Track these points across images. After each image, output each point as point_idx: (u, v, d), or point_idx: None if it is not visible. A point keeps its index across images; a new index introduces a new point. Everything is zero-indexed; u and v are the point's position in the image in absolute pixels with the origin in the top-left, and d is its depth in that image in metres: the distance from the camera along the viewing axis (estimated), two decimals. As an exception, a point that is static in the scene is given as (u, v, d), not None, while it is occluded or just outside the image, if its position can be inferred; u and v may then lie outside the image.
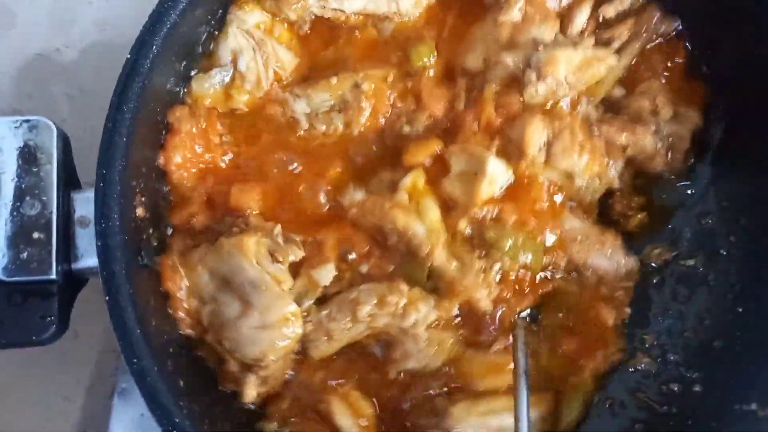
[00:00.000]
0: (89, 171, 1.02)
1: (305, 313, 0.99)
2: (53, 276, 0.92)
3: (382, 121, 1.09)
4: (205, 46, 1.10)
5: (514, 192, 1.05)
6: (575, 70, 1.07)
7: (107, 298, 0.88)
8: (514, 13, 1.11)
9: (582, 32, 1.13)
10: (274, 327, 0.95)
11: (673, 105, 1.12)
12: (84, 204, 0.97)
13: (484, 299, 1.02)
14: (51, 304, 0.92)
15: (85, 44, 1.49)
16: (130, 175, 0.94)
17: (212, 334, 0.99)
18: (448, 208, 1.04)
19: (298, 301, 0.99)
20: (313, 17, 1.12)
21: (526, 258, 1.03)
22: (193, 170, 1.06)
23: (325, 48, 1.14)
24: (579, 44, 1.09)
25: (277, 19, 1.11)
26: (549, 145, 1.05)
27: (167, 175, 1.04)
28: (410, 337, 1.00)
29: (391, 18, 1.13)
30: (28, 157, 0.94)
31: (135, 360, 0.88)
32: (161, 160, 1.03)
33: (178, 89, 1.07)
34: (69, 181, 0.97)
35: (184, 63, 1.06)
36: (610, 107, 1.13)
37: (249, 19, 1.08)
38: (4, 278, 0.91)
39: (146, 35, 0.95)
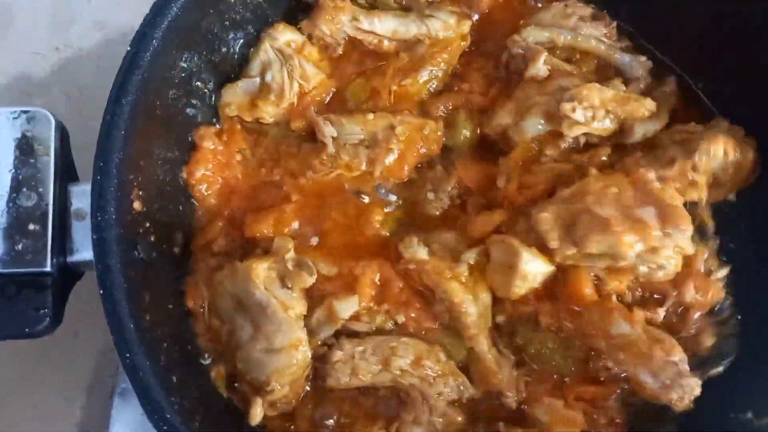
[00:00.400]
0: (88, 169, 1.03)
1: (331, 343, 1.00)
2: (48, 268, 0.91)
3: (406, 170, 1.09)
4: (235, 56, 1.15)
5: (554, 286, 1.01)
6: (610, 100, 1.04)
7: (101, 291, 0.88)
8: (539, 67, 1.10)
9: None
10: (281, 352, 0.95)
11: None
12: (80, 197, 0.96)
13: (511, 398, 1.00)
14: (45, 296, 0.91)
15: (84, 44, 1.50)
16: (128, 168, 0.94)
17: (229, 353, 1.00)
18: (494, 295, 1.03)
19: (314, 330, 0.99)
20: (346, 38, 1.14)
21: (556, 364, 1.02)
22: (217, 186, 1.10)
23: (356, 74, 1.16)
24: (611, 85, 1.08)
25: (311, 40, 1.14)
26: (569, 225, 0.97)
27: (190, 188, 1.08)
28: (428, 405, 0.99)
29: (422, 41, 1.14)
30: (26, 148, 0.94)
31: (128, 354, 0.87)
32: (184, 175, 1.07)
33: (185, 86, 1.08)
34: (66, 174, 0.97)
35: (189, 58, 1.06)
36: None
37: (280, 37, 1.12)
38: (-2, 269, 0.90)
39: (146, 28, 0.95)
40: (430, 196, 1.09)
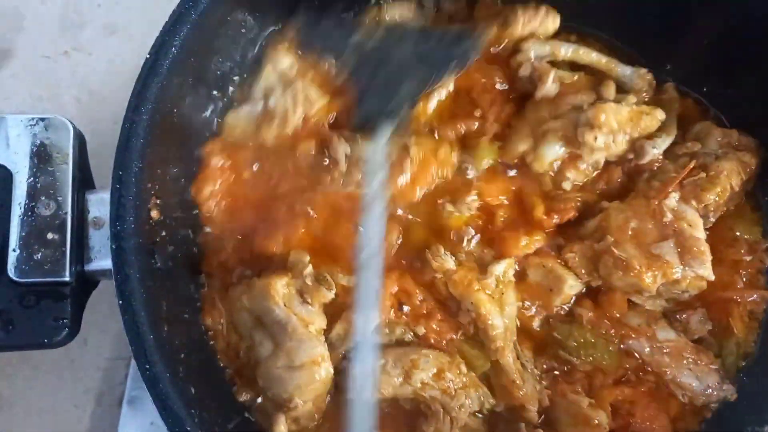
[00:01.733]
0: (98, 173, 1.02)
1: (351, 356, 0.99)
2: (67, 278, 0.90)
3: (418, 192, 1.07)
4: (236, 77, 1.13)
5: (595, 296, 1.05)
6: (627, 121, 1.05)
7: (120, 302, 0.87)
8: (548, 86, 1.09)
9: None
10: (302, 369, 0.94)
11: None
12: (98, 205, 0.96)
13: (533, 412, 1.00)
14: (64, 306, 0.90)
15: (95, 48, 1.50)
16: (146, 177, 0.93)
17: (249, 370, 0.99)
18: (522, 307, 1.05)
19: (335, 344, 0.98)
20: None
21: (594, 358, 1.03)
22: (225, 203, 1.07)
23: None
24: (621, 101, 1.08)
25: (312, 64, 1.11)
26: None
27: (199, 208, 1.06)
28: (449, 418, 0.98)
29: None
30: (44, 156, 0.93)
31: (147, 366, 0.86)
32: (192, 192, 1.04)
33: (201, 96, 1.07)
34: (83, 182, 0.96)
35: (207, 66, 1.06)
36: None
37: (282, 60, 1.10)
38: (17, 279, 0.89)
39: (166, 36, 0.94)
40: (449, 208, 1.07)
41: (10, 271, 0.89)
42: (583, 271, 1.03)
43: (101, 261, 0.94)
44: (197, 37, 0.97)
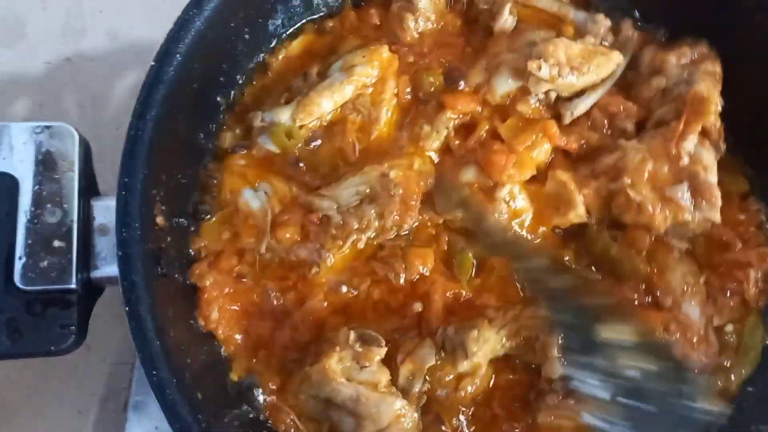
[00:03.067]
0: (101, 179, 1.03)
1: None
2: (73, 285, 0.90)
3: (413, 205, 1.03)
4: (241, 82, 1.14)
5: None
6: (577, 56, 1.06)
7: (127, 308, 0.87)
8: (505, 18, 1.12)
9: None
10: (392, 427, 0.94)
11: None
12: (103, 212, 0.96)
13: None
14: (71, 313, 0.90)
15: (96, 54, 1.49)
16: (151, 183, 0.93)
17: None
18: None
19: (407, 389, 0.98)
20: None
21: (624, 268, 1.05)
22: (236, 319, 1.04)
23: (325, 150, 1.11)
24: (578, 40, 1.10)
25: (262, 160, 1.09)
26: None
27: (215, 334, 1.02)
28: None
29: (363, 92, 1.10)
30: (49, 163, 0.93)
31: (154, 372, 0.86)
32: (201, 323, 1.01)
33: (205, 102, 1.07)
34: (89, 189, 0.96)
35: (212, 72, 1.06)
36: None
37: (239, 162, 1.08)
38: (23, 287, 0.89)
39: (170, 43, 0.95)
40: (425, 129, 1.08)
41: (17, 279, 0.89)
42: (595, 208, 1.05)
43: (107, 268, 0.94)
44: (202, 44, 0.98)
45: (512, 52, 1.10)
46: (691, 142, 1.03)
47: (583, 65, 1.06)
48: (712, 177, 1.02)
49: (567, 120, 1.09)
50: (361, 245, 1.04)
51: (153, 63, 0.94)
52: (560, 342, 0.95)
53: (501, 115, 1.10)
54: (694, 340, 1.01)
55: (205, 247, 1.05)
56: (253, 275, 1.04)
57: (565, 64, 1.05)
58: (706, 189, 1.01)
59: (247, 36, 1.11)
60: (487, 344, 0.98)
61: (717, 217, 1.02)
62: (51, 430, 1.27)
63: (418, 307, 1.03)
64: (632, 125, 1.09)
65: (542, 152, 1.07)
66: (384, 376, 0.97)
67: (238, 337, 1.03)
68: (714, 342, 1.03)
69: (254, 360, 1.03)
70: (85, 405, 1.27)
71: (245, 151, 1.09)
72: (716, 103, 1.05)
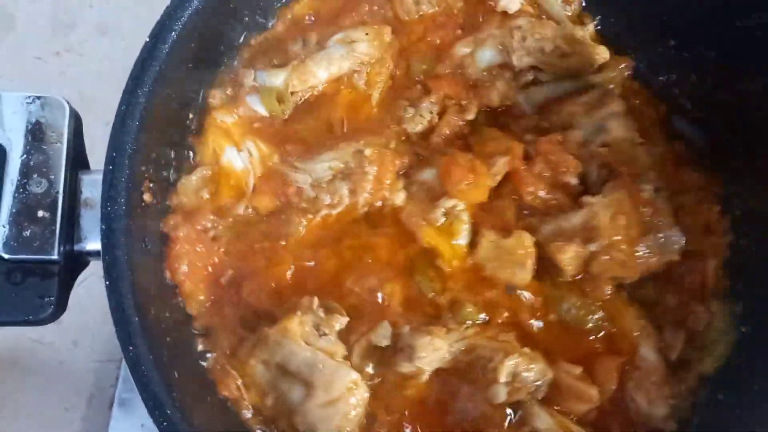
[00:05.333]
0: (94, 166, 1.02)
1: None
2: (55, 256, 0.90)
3: (388, 184, 1.05)
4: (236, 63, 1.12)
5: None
6: (561, 36, 1.10)
7: (107, 282, 0.87)
8: None
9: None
10: (341, 400, 0.93)
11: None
12: (90, 186, 0.96)
13: None
14: (51, 284, 0.90)
15: (86, 48, 1.49)
16: (140, 160, 0.93)
17: (283, 421, 0.96)
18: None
19: (360, 367, 0.98)
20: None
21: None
22: (203, 275, 1.03)
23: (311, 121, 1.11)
24: None
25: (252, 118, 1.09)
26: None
27: (179, 288, 1.01)
28: None
29: (359, 70, 1.11)
30: (38, 134, 0.93)
31: (131, 347, 0.86)
32: (168, 275, 1.00)
33: (199, 80, 1.06)
34: (77, 162, 0.96)
35: (204, 58, 1.05)
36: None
37: (225, 120, 1.07)
38: (5, 255, 0.89)
39: (166, 20, 0.94)
40: (409, 112, 1.09)
41: (-1, 247, 0.89)
42: (572, 269, 1.02)
43: (91, 241, 0.94)
44: (197, 22, 0.98)
45: (501, 29, 1.13)
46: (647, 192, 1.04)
47: (564, 45, 1.09)
48: (670, 219, 1.04)
49: None
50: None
51: (147, 39, 0.93)
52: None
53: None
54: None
55: (182, 204, 1.04)
56: (227, 239, 1.04)
57: (549, 41, 1.09)
58: (670, 234, 1.02)
59: (245, 16, 1.11)
60: (436, 353, 0.97)
61: (683, 241, 1.03)
62: (38, 427, 1.27)
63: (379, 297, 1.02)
64: (576, 180, 1.07)
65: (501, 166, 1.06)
66: (340, 349, 0.97)
67: (201, 297, 1.02)
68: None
69: (213, 322, 1.02)
70: (71, 402, 1.28)
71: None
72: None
